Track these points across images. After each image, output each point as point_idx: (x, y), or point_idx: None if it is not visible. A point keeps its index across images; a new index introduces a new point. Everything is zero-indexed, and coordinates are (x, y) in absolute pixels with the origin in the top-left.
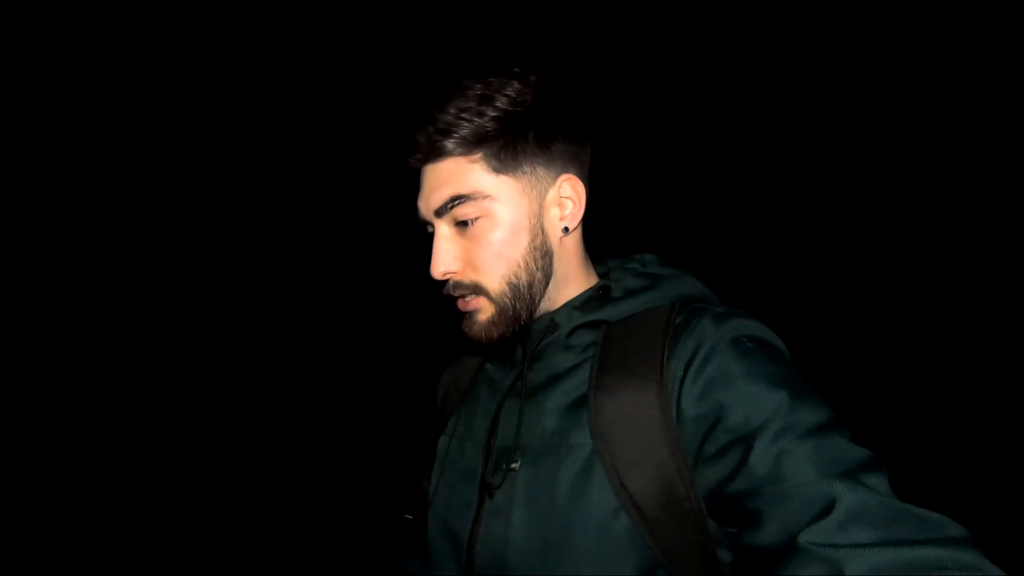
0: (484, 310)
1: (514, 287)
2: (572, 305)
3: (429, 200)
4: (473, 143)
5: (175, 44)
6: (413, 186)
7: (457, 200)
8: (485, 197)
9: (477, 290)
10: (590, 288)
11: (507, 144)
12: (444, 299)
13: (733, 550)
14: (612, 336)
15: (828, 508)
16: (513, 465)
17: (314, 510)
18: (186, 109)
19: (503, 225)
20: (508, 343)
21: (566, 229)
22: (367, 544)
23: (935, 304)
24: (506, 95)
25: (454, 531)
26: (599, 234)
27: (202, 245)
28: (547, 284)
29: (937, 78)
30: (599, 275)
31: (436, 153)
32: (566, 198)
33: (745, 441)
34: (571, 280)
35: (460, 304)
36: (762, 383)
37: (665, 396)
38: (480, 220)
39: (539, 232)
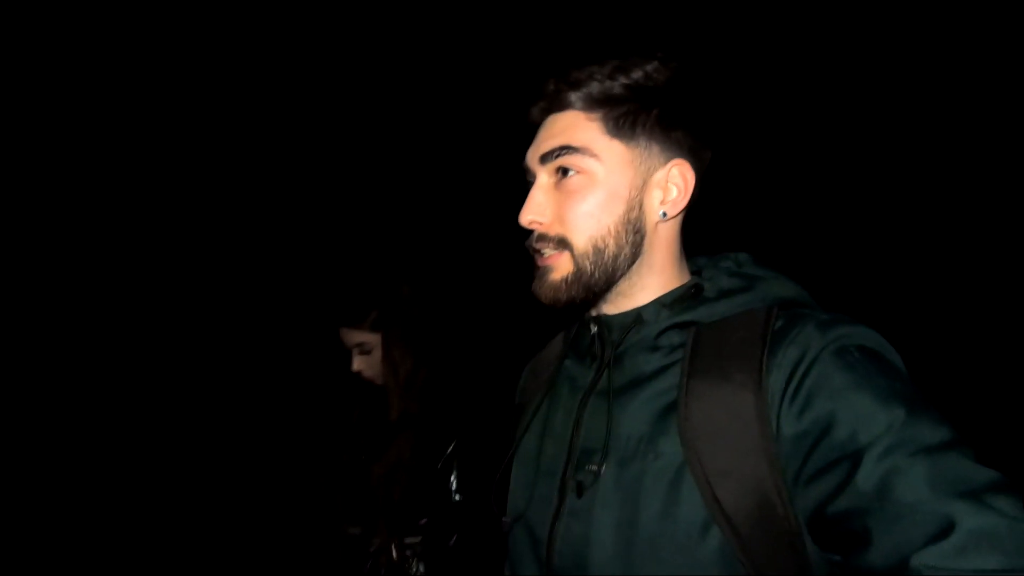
0: (561, 268)
1: (598, 251)
2: (661, 302)
3: (539, 147)
4: (597, 102)
5: (175, 44)
6: (412, 188)
7: (564, 151)
8: (592, 155)
9: (561, 244)
10: (681, 286)
11: (629, 112)
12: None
13: None
14: (704, 339)
15: (946, 530)
16: (597, 468)
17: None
18: (186, 109)
19: (601, 187)
20: (588, 336)
21: (664, 214)
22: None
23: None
24: (642, 69)
25: (534, 529)
26: (694, 231)
27: (202, 245)
28: (632, 263)
29: (943, 78)
30: (691, 273)
31: (559, 104)
32: (672, 183)
33: (851, 458)
34: (659, 271)
35: (538, 259)
36: (871, 397)
37: (763, 407)
38: (580, 175)
39: (636, 207)
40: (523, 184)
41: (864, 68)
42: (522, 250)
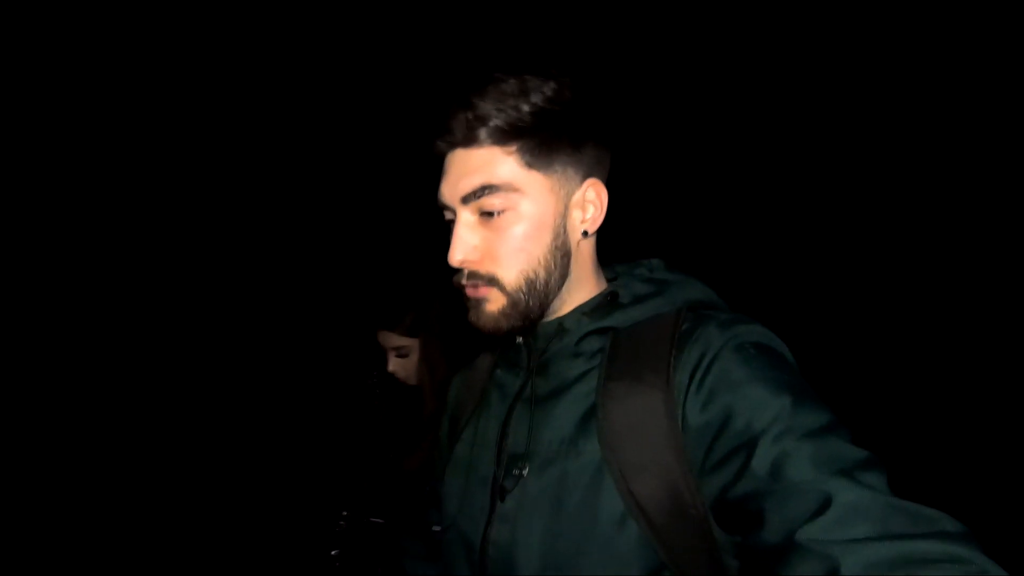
0: (495, 300)
1: (531, 283)
2: (581, 311)
3: (457, 186)
4: (510, 135)
5: (175, 44)
6: (406, 186)
7: (487, 190)
8: (515, 190)
9: (492, 282)
10: (599, 294)
11: (543, 141)
12: (454, 290)
13: (739, 558)
14: (620, 343)
15: (825, 505)
16: (523, 471)
17: (310, 512)
18: (186, 109)
19: (528, 220)
20: (515, 346)
21: (585, 233)
22: (370, 548)
23: (933, 305)
24: (544, 92)
25: (467, 535)
26: (610, 239)
27: (202, 245)
28: (562, 284)
29: (939, 78)
30: (608, 280)
31: (471, 140)
32: (589, 202)
33: (748, 446)
34: (582, 283)
35: (469, 291)
36: (765, 388)
37: (671, 404)
38: (506, 213)
39: (561, 232)
40: (439, 218)
41: (755, 56)
42: None
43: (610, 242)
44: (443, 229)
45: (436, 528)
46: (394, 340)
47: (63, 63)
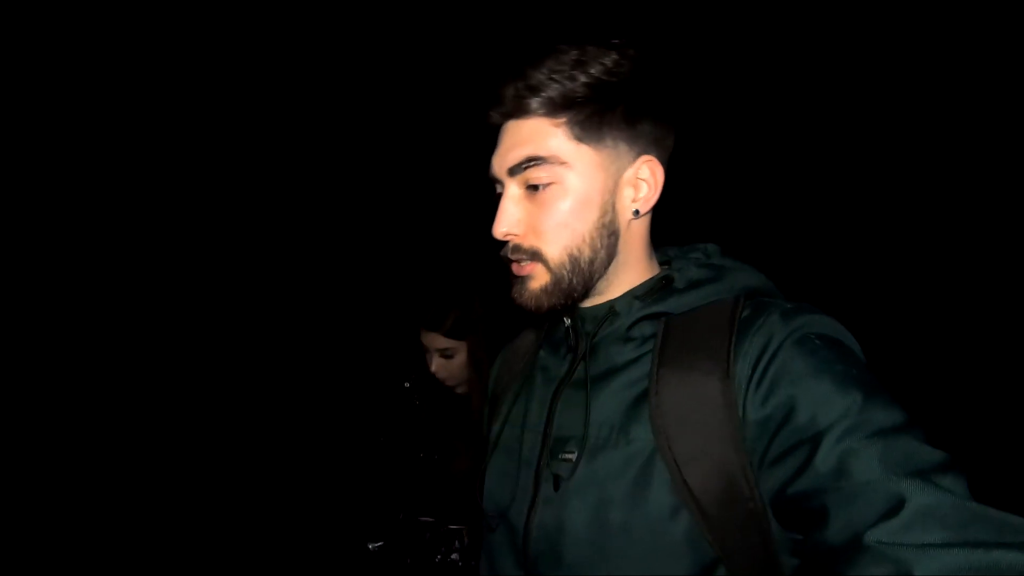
0: (538, 277)
1: (574, 260)
2: (633, 295)
3: (505, 157)
4: (560, 106)
5: (175, 44)
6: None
7: (533, 162)
8: (561, 163)
9: (535, 256)
10: (652, 278)
11: (594, 113)
12: (499, 263)
13: (797, 555)
14: (674, 329)
15: (897, 507)
16: (571, 456)
17: (324, 512)
18: (186, 109)
19: (574, 195)
20: (562, 328)
21: (636, 212)
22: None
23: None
24: (602, 64)
25: (510, 517)
26: (662, 223)
27: (202, 246)
28: (608, 264)
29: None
30: (660, 264)
31: (521, 110)
32: (643, 180)
33: (811, 441)
34: (633, 266)
35: (515, 268)
36: (830, 382)
37: (731, 394)
38: (552, 186)
39: (609, 209)
40: (489, 191)
41: (830, 54)
42: None
43: (664, 225)
44: (487, 223)
45: (487, 511)
46: (440, 341)
47: (63, 63)
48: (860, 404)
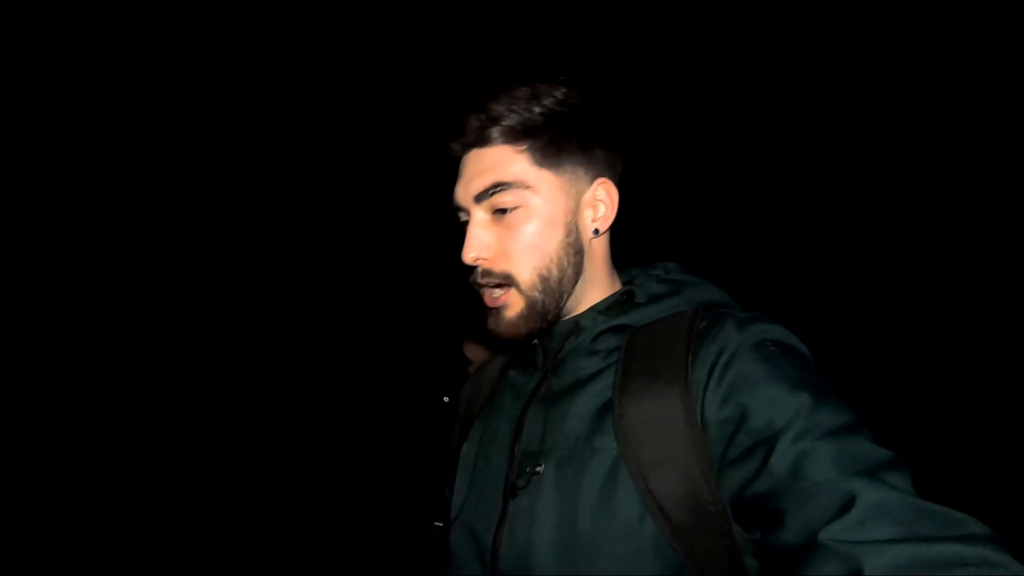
0: (513, 305)
1: (545, 280)
2: (597, 309)
3: (470, 185)
4: (521, 134)
5: (175, 44)
6: (427, 182)
7: (499, 187)
8: (527, 187)
9: (507, 280)
10: (615, 293)
11: (552, 140)
12: (469, 295)
13: (758, 557)
14: (636, 341)
15: (848, 505)
16: (538, 469)
17: (326, 517)
18: (186, 109)
19: (540, 217)
20: (530, 346)
21: (596, 231)
22: (384, 551)
23: (946, 307)
24: (554, 96)
25: (478, 535)
26: (622, 243)
27: (203, 246)
28: (576, 282)
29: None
30: (623, 282)
31: (483, 140)
32: (600, 201)
33: (767, 443)
34: (596, 283)
35: (488, 300)
36: (784, 386)
37: (690, 400)
38: (518, 210)
39: (573, 229)
40: (454, 220)
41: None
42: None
43: (623, 246)
44: (455, 246)
45: (438, 524)
46: (485, 354)
47: (63, 63)
48: (811, 406)
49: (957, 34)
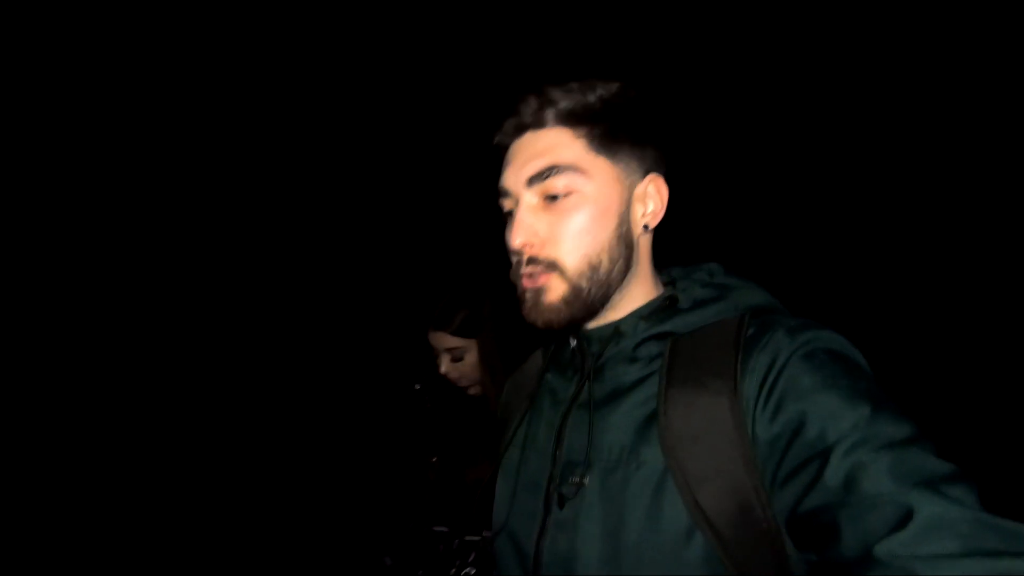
0: (555, 288)
1: (594, 268)
2: (639, 315)
3: (523, 168)
4: (579, 118)
5: (175, 44)
6: (414, 191)
7: (554, 170)
8: (582, 172)
9: (552, 267)
10: (657, 297)
11: (609, 128)
12: (504, 287)
13: (814, 574)
14: (680, 349)
15: (906, 518)
16: (582, 479)
17: (311, 513)
18: (187, 109)
19: (594, 203)
20: (568, 350)
21: (646, 226)
22: (372, 548)
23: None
24: (610, 90)
25: (519, 542)
26: (664, 243)
27: (204, 246)
28: (623, 278)
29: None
30: (664, 283)
31: (539, 122)
32: (651, 197)
33: (821, 456)
34: (637, 284)
35: (527, 282)
36: (838, 396)
37: (739, 413)
38: (571, 195)
39: (625, 221)
40: (496, 212)
41: (817, 71)
42: None
43: (664, 246)
44: (498, 225)
45: (486, 534)
46: (448, 341)
47: (63, 63)
48: (868, 417)
49: (969, 34)
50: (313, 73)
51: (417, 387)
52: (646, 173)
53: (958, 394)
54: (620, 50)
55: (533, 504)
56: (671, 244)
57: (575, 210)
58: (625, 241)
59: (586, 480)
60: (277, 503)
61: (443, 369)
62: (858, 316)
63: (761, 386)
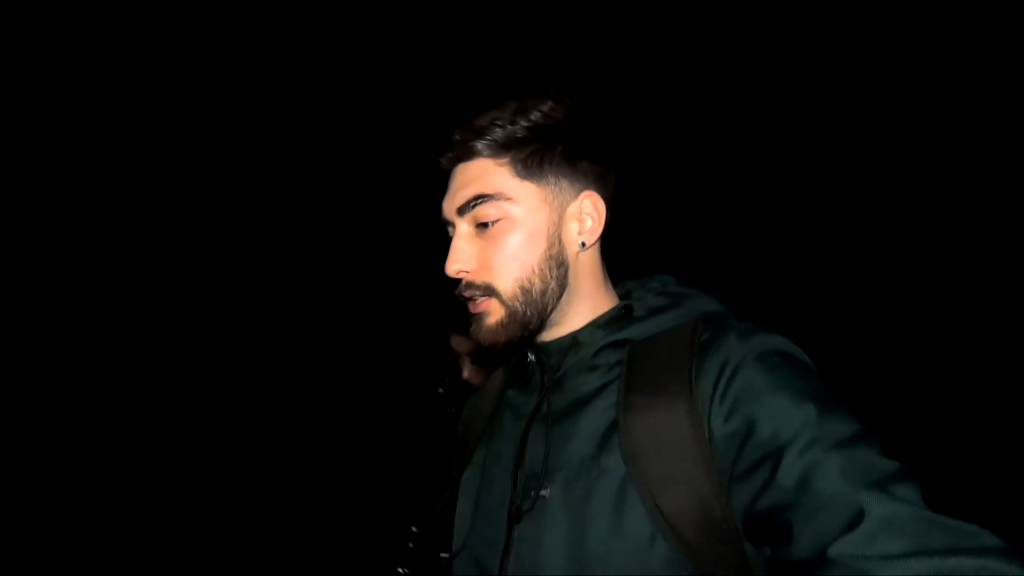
0: (493, 312)
1: (526, 291)
2: (596, 324)
3: (454, 198)
4: (503, 147)
5: (176, 44)
6: (416, 190)
7: (480, 199)
8: (507, 199)
9: (488, 291)
10: (613, 307)
11: (535, 152)
12: (455, 303)
13: (770, 572)
14: (638, 355)
15: (857, 519)
16: (543, 492)
17: (323, 516)
18: (187, 109)
19: (521, 228)
20: (527, 364)
21: (583, 244)
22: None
23: (945, 311)
24: (540, 110)
25: (484, 564)
26: (616, 256)
27: (204, 247)
28: (561, 295)
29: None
30: (619, 296)
31: (467, 153)
32: (586, 214)
33: (774, 456)
34: (587, 296)
35: (471, 306)
36: (789, 397)
37: (696, 414)
38: (500, 222)
39: (556, 242)
40: (443, 234)
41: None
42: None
43: (619, 258)
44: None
45: (444, 555)
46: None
47: (63, 63)
48: (817, 417)
49: (959, 34)
50: (311, 85)
51: (440, 391)
52: (580, 191)
53: (919, 392)
54: (571, 53)
55: (497, 523)
56: (628, 253)
57: (504, 236)
58: (557, 261)
59: (545, 492)
60: (297, 511)
61: (466, 374)
62: (806, 318)
63: (715, 386)
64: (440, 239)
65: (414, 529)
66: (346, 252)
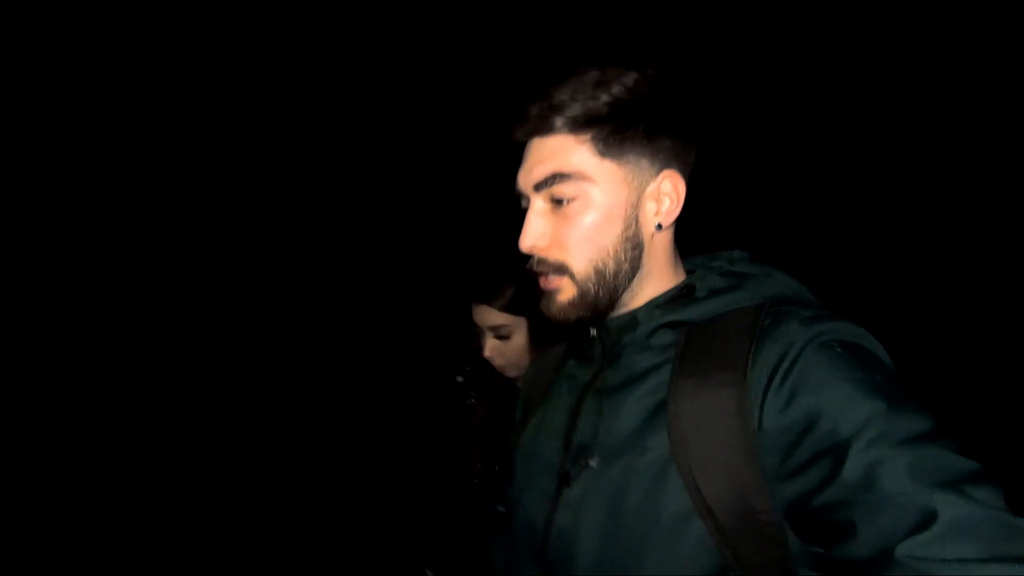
0: (565, 290)
1: (599, 272)
2: (654, 304)
3: (531, 173)
4: (583, 123)
5: (176, 44)
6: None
7: (557, 178)
8: (585, 179)
9: (561, 270)
10: (674, 287)
11: (616, 130)
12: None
13: (817, 569)
14: (694, 337)
15: (928, 519)
16: (591, 462)
17: (338, 510)
18: (187, 109)
19: (598, 209)
20: (589, 338)
21: (659, 226)
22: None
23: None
24: (622, 84)
25: (531, 519)
26: (693, 233)
27: (205, 247)
28: (633, 276)
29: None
30: (687, 271)
31: (545, 128)
32: (665, 194)
33: (835, 451)
34: (657, 277)
35: (542, 282)
36: (853, 389)
37: (746, 403)
38: (576, 201)
39: (633, 223)
40: (515, 205)
41: (848, 60)
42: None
43: (696, 236)
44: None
45: (501, 509)
46: (494, 318)
47: (63, 63)
48: (885, 411)
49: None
50: (316, 72)
51: (459, 379)
52: (660, 170)
53: (988, 391)
54: (646, 31)
55: (547, 484)
56: (699, 231)
57: (580, 215)
58: (633, 243)
59: (592, 463)
60: (316, 511)
61: (487, 352)
62: (890, 308)
63: (772, 377)
64: (441, 234)
65: (441, 531)
66: (348, 252)
